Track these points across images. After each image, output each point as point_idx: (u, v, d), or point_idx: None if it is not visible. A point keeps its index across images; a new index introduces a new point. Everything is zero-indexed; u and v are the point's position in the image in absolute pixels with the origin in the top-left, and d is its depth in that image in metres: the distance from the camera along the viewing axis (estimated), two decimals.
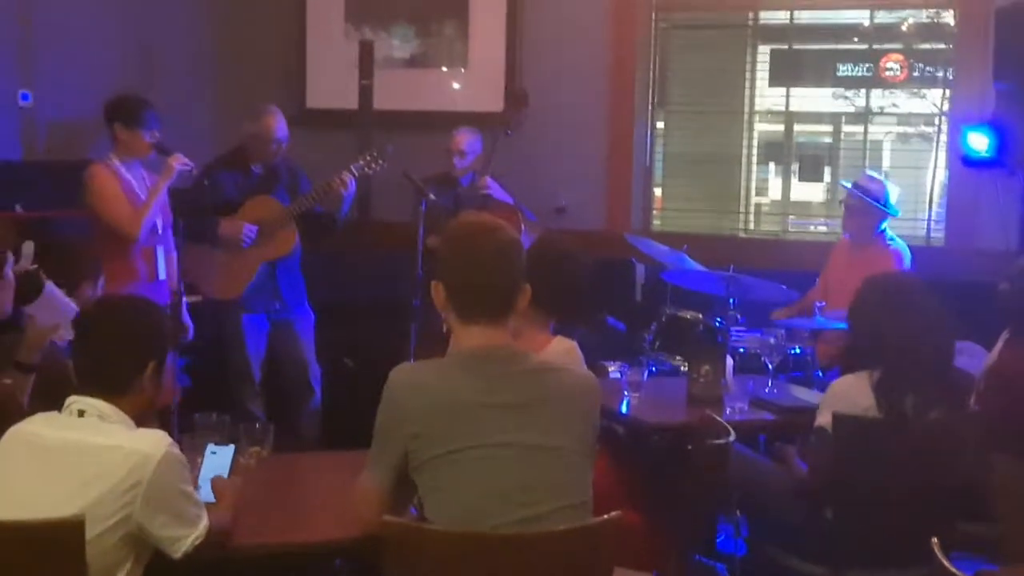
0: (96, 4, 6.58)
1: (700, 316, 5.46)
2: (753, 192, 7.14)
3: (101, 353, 2.74)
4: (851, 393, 3.55)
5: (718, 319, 5.41)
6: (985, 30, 5.73)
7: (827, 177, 7.96)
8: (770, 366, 4.55)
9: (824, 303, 5.21)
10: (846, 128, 8.08)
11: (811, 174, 8.41)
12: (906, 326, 3.59)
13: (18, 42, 6.24)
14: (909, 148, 8.02)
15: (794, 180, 7.45)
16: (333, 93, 7.01)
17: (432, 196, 5.52)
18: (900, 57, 6.74)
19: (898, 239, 5.56)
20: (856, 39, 6.91)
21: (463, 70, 6.95)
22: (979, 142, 5.50)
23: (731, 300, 5.26)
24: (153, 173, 5.18)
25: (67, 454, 2.61)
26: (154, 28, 6.87)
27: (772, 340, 4.56)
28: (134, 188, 5.09)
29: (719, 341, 5.21)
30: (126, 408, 2.71)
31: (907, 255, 5.47)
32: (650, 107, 6.85)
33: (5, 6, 6.13)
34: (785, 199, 7.25)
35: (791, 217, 7.17)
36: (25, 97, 6.25)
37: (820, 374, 5.19)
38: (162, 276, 5.13)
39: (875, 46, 6.82)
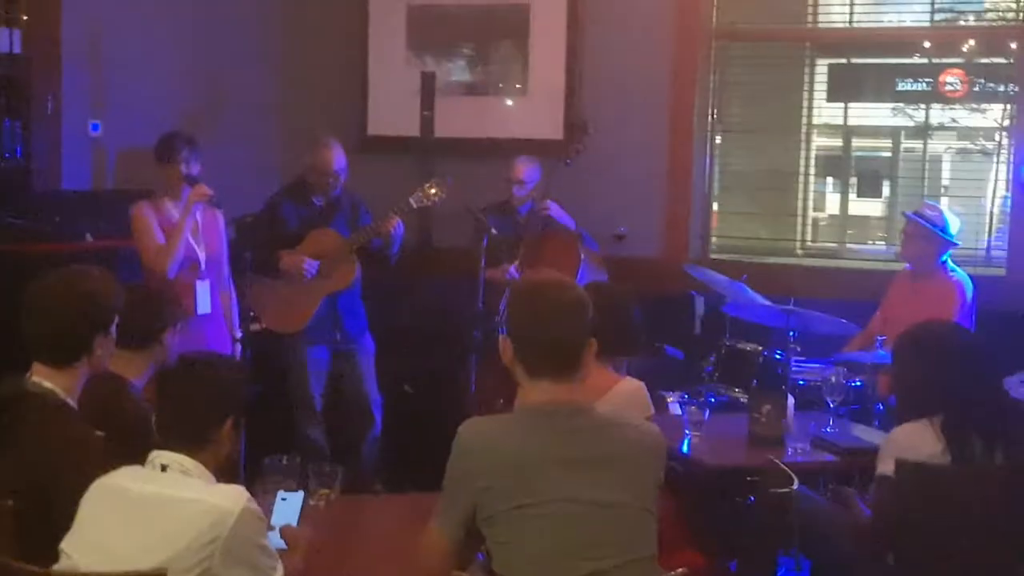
0: (164, 35, 6.67)
1: (759, 348, 5.46)
2: (811, 207, 7.12)
3: (182, 409, 2.83)
4: (914, 441, 3.55)
5: (778, 351, 5.41)
6: None
7: (886, 192, 7.95)
8: (831, 404, 4.55)
9: (885, 336, 5.20)
10: (905, 143, 8.06)
11: (870, 190, 8.39)
12: (954, 378, 3.59)
13: (89, 73, 6.35)
14: (970, 164, 7.98)
15: (852, 195, 7.44)
16: (394, 121, 7.07)
17: (494, 231, 5.57)
18: (960, 72, 6.72)
19: (959, 270, 5.53)
20: (916, 54, 6.89)
21: (523, 97, 6.99)
22: None
23: (791, 333, 5.25)
24: (209, 209, 5.29)
25: (150, 507, 2.69)
26: (220, 58, 6.96)
27: (833, 377, 4.55)
28: (174, 223, 5.18)
29: (779, 374, 5.21)
30: (206, 462, 2.79)
31: (969, 286, 5.43)
32: (709, 133, 6.85)
33: (75, 38, 6.24)
34: (844, 214, 7.22)
35: (848, 241, 7.12)
36: (95, 128, 6.37)
37: (881, 407, 5.17)
38: (202, 311, 5.22)
39: (935, 60, 6.80)
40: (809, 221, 7.14)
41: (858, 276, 6.58)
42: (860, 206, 7.83)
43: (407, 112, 6.91)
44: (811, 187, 7.09)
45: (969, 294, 5.40)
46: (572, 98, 6.84)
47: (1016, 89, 6.43)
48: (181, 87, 6.79)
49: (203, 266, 5.22)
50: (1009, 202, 6.28)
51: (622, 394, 3.75)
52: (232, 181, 5.70)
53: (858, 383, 5.13)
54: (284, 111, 7.29)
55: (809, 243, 7.09)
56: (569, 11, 6.84)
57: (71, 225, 5.86)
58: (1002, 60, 6.64)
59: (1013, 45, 6.46)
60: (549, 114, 6.89)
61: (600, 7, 6.80)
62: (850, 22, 6.81)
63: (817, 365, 5.39)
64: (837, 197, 7.39)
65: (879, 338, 5.22)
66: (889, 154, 7.91)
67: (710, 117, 6.84)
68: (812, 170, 7.04)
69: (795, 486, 3.45)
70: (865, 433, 4.56)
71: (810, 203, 7.11)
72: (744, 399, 5.09)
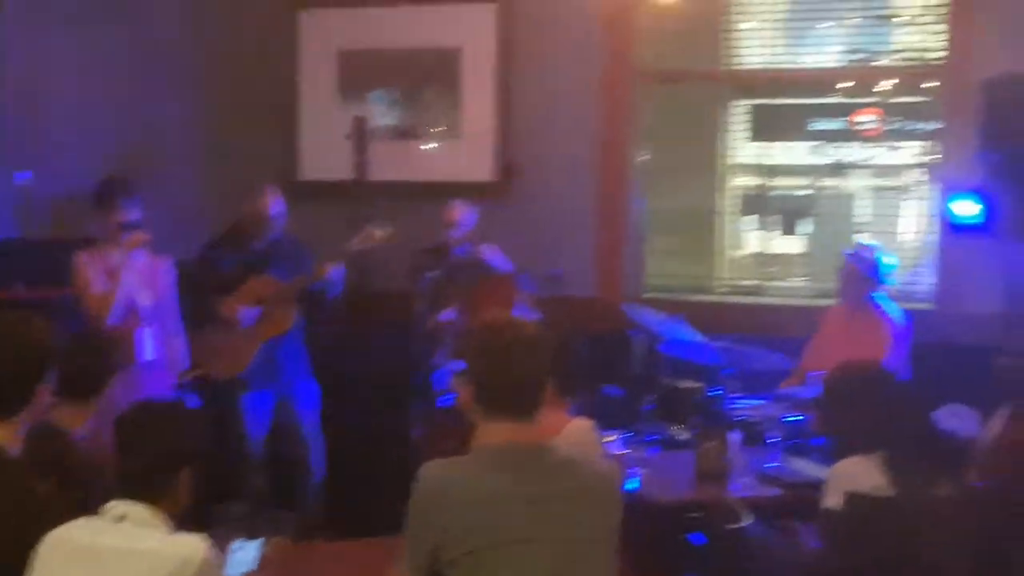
0: (95, 83, 6.63)
1: (698, 386, 5.51)
2: (732, 246, 7.23)
3: (141, 456, 2.79)
4: (858, 474, 3.61)
5: (716, 389, 5.46)
6: (968, 98, 5.85)
7: (806, 229, 8.08)
8: (773, 440, 4.61)
9: (821, 372, 5.28)
10: (823, 181, 8.21)
11: (790, 227, 8.53)
12: (886, 416, 3.67)
13: (16, 121, 6.28)
14: (887, 201, 8.13)
15: (773, 233, 7.55)
16: (327, 165, 7.07)
17: (433, 274, 5.59)
18: (875, 110, 6.87)
19: (893, 305, 5.65)
20: (832, 92, 7.00)
21: (455, 140, 7.02)
22: (967, 209, 5.60)
23: (729, 369, 5.32)
24: (152, 257, 5.25)
25: (108, 560, 2.65)
26: (151, 104, 6.94)
27: (774, 413, 4.62)
28: (115, 271, 5.14)
29: (719, 411, 5.26)
30: (166, 510, 2.76)
31: (902, 321, 5.55)
32: (638, 172, 6.92)
33: (7, 86, 6.18)
34: (765, 252, 7.32)
35: (770, 278, 7.22)
36: (24, 175, 6.29)
37: (821, 441, 5.23)
38: (146, 358, 5.18)
39: (850, 99, 6.92)
40: (730, 259, 7.24)
41: (780, 313, 6.66)
42: (781, 243, 7.96)
43: (339, 156, 6.92)
44: (732, 225, 7.21)
45: (901, 330, 5.51)
46: (504, 140, 6.89)
47: (933, 126, 6.57)
48: (112, 134, 6.75)
49: (145, 313, 5.17)
50: (934, 238, 6.40)
51: (575, 433, 3.77)
52: (164, 227, 5.64)
53: (797, 418, 5.20)
54: (216, 157, 7.25)
55: (731, 280, 7.18)
56: (499, 54, 6.90)
57: (2, 274, 5.78)
58: (916, 99, 6.80)
59: (928, 84, 6.62)
60: (481, 157, 6.93)
61: (529, 50, 6.86)
62: (767, 63, 6.95)
63: (755, 401, 5.46)
64: (758, 235, 7.50)
65: (815, 373, 5.30)
66: (808, 192, 8.07)
67: (639, 157, 6.91)
68: (732, 209, 7.16)
69: (746, 521, 3.48)
70: (807, 467, 4.61)
71: (731, 241, 7.22)
72: (684, 437, 5.14)
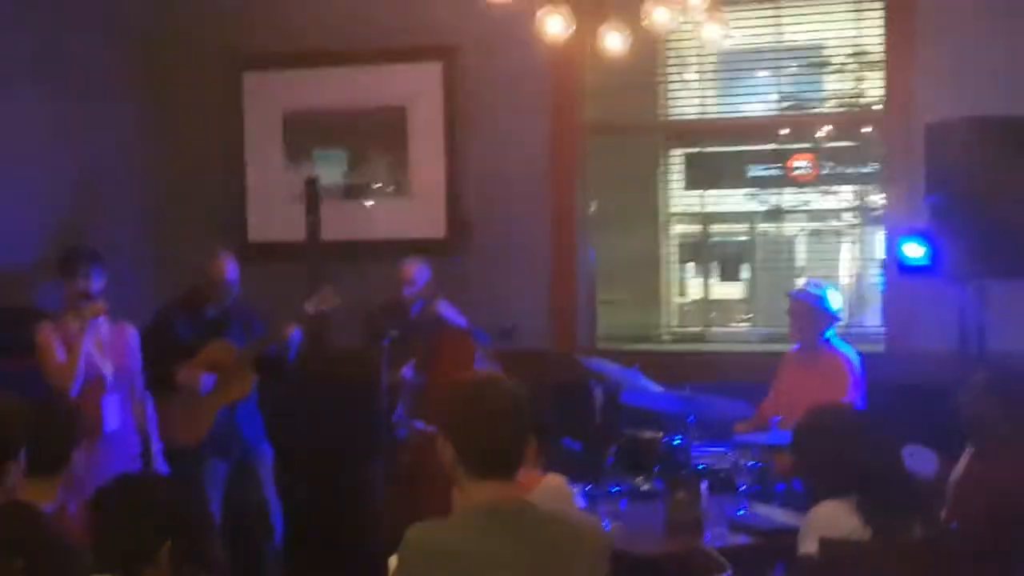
0: (35, 147, 6.53)
1: (660, 436, 5.52)
2: (675, 293, 7.29)
3: (121, 531, 2.75)
4: (833, 519, 3.63)
5: (677, 437, 5.48)
6: (911, 142, 5.97)
7: (746, 275, 8.17)
8: (741, 487, 4.63)
9: (781, 417, 5.33)
10: (761, 227, 8.32)
11: (730, 273, 8.62)
12: (859, 458, 3.70)
13: None
14: (824, 245, 8.25)
15: (713, 280, 7.62)
16: (276, 226, 7.05)
17: (394, 332, 5.58)
18: (809, 156, 6.98)
19: (846, 345, 5.70)
20: (769, 139, 7.11)
21: (404, 198, 7.02)
22: (914, 251, 5.68)
23: (690, 418, 5.34)
24: (115, 325, 5.20)
25: None
26: (92, 170, 6.87)
27: (741, 460, 4.64)
28: (77, 341, 5.08)
29: (681, 460, 5.28)
30: None
31: (856, 361, 5.61)
32: (587, 223, 6.97)
33: None
34: (706, 299, 7.37)
35: (714, 324, 7.28)
36: None
37: (782, 487, 5.26)
38: (110, 428, 5.12)
39: (786, 146, 7.03)
40: (675, 307, 7.30)
41: (726, 359, 6.72)
42: (722, 289, 8.04)
43: (289, 217, 6.90)
44: (675, 274, 7.28)
45: (857, 368, 5.57)
46: (454, 197, 6.91)
47: (869, 170, 6.72)
48: (51, 200, 6.63)
49: (109, 381, 5.11)
50: (874, 280, 6.48)
51: (550, 490, 3.77)
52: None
53: (755, 463, 5.23)
54: (162, 221, 7.21)
55: (676, 328, 7.23)
56: (445, 111, 6.93)
57: None
58: (851, 143, 6.92)
59: (865, 129, 6.76)
60: (431, 213, 6.93)
61: (476, 106, 6.89)
62: (704, 114, 7.06)
63: (715, 449, 5.48)
64: (700, 282, 7.57)
65: (774, 419, 5.34)
66: (746, 238, 8.17)
67: (589, 208, 6.96)
68: (674, 257, 7.23)
69: (728, 572, 3.49)
70: (774, 514, 4.64)
71: (675, 289, 7.29)
72: (647, 488, 5.15)
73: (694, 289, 7.73)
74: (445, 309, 5.99)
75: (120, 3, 7.06)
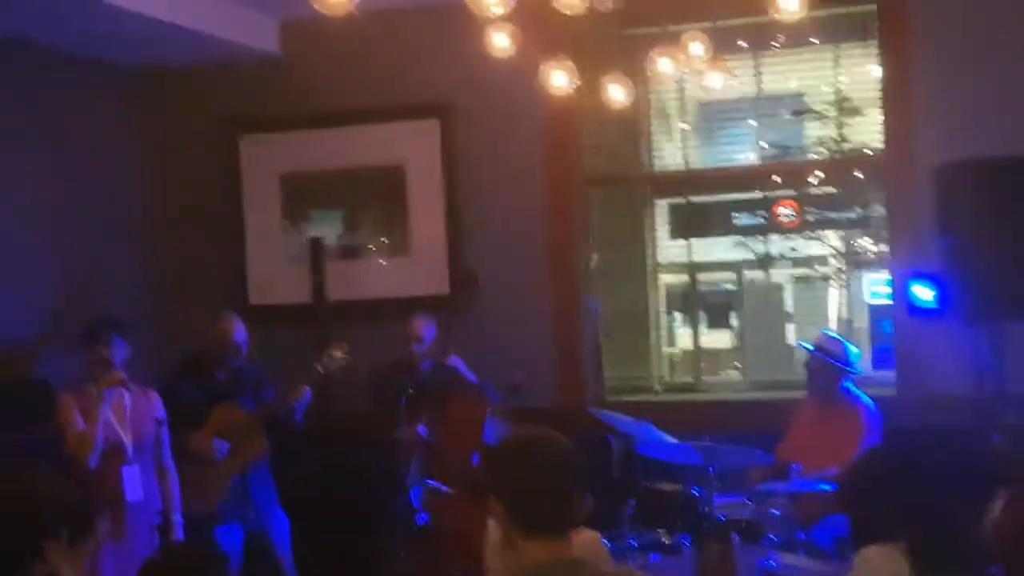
0: (31, 219, 6.49)
1: (679, 487, 5.47)
2: (665, 344, 7.29)
3: None
4: (884, 564, 3.57)
5: (695, 489, 5.42)
6: (913, 185, 5.99)
7: (734, 322, 8.16)
8: (770, 537, 4.57)
9: (800, 466, 5.27)
10: (748, 275, 8.33)
11: (718, 322, 8.61)
12: (912, 498, 3.64)
13: None
14: (811, 290, 8.27)
15: (702, 329, 7.59)
16: (277, 288, 7.02)
17: (411, 391, 5.52)
18: (793, 203, 6.99)
19: (864, 395, 5.67)
20: (753, 187, 7.14)
21: (406, 256, 6.99)
22: (924, 293, 5.68)
23: (710, 468, 5.28)
24: (138, 392, 5.15)
25: None
26: (92, 237, 6.84)
27: (769, 510, 4.58)
28: (100, 411, 5.00)
29: (703, 512, 5.23)
30: None
31: (873, 410, 5.57)
32: (588, 275, 6.94)
33: None
34: (696, 348, 7.32)
35: (705, 373, 7.24)
36: None
37: (802, 535, 5.21)
38: (132, 498, 5.03)
39: (772, 193, 7.05)
40: (665, 357, 7.28)
41: (718, 408, 6.69)
42: (710, 338, 8.02)
43: (287, 279, 6.87)
44: (663, 324, 7.27)
45: (875, 417, 5.53)
46: (455, 253, 6.88)
47: (856, 216, 6.78)
48: (55, 269, 6.61)
49: (129, 451, 5.03)
50: (893, 332, 6.43)
51: (585, 546, 3.70)
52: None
53: (777, 512, 5.18)
54: (162, 287, 7.17)
55: (667, 379, 7.20)
56: (444, 168, 6.92)
57: None
58: (832, 190, 6.96)
59: (859, 174, 6.80)
60: (433, 270, 6.90)
61: (474, 162, 6.89)
62: (686, 164, 7.06)
63: (734, 499, 5.43)
64: (688, 332, 7.55)
65: (794, 467, 5.29)
66: (733, 286, 8.19)
67: (591, 260, 6.94)
68: (663, 307, 7.23)
69: None
70: (802, 563, 4.59)
71: (665, 339, 7.29)
72: (668, 540, 5.09)
73: (683, 339, 7.72)
74: (458, 364, 5.94)
75: (118, 69, 7.04)
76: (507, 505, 2.80)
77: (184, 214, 7.23)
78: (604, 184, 7.08)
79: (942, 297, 5.58)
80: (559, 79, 5.46)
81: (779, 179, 7.02)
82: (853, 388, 5.65)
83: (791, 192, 7.02)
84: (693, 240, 7.23)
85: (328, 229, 7.04)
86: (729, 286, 8.87)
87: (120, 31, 6.25)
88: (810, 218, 7.14)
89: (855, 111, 6.77)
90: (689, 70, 5.30)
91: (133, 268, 7.11)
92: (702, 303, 7.74)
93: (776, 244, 7.38)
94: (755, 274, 7.94)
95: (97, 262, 6.84)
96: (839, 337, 5.76)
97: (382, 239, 7.06)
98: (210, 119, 7.18)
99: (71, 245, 6.72)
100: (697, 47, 5.25)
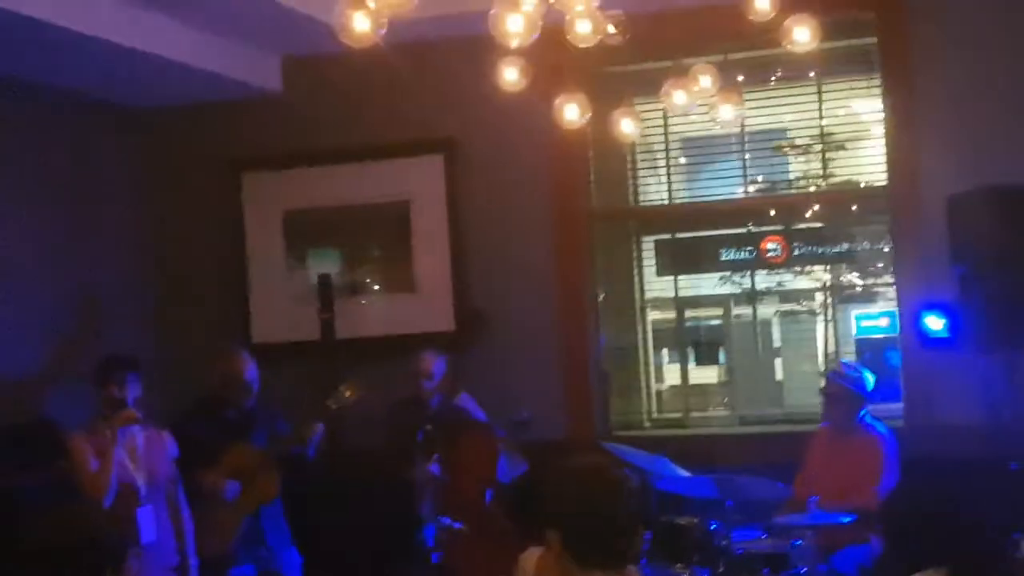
0: (39, 261, 6.45)
1: (696, 521, 5.43)
2: (653, 379, 7.25)
3: None
4: None
5: (712, 522, 5.38)
6: (923, 215, 6.01)
7: (721, 359, 8.15)
8: (801, 571, 4.54)
9: (818, 497, 5.24)
10: (735, 310, 8.32)
11: (706, 357, 8.60)
12: (955, 523, 3.62)
13: None
14: (798, 324, 8.28)
15: (690, 364, 7.56)
16: (279, 327, 6.96)
17: (429, 428, 5.47)
18: (779, 238, 7.01)
19: (879, 424, 5.65)
20: (736, 223, 7.15)
21: (411, 294, 6.94)
22: (935, 324, 5.68)
23: (728, 502, 5.26)
24: (150, 432, 5.07)
25: None
26: (94, 275, 6.81)
27: (803, 543, 4.55)
28: (111, 450, 4.93)
29: (719, 545, 5.20)
30: None
31: (891, 440, 5.55)
32: (595, 308, 6.92)
33: None
34: (684, 384, 7.30)
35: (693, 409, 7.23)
36: None
37: (824, 567, 5.19)
38: (146, 539, 4.95)
39: (754, 228, 7.08)
40: (654, 393, 7.25)
41: (707, 443, 6.65)
42: (698, 374, 8.00)
43: (292, 317, 6.82)
44: (651, 360, 7.24)
45: (893, 447, 5.51)
46: (461, 289, 6.84)
47: (840, 250, 6.85)
48: (56, 309, 6.55)
49: (143, 492, 4.95)
50: (902, 364, 6.42)
51: None
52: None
53: (796, 543, 5.16)
54: (164, 326, 7.13)
55: (657, 415, 7.18)
56: (448, 203, 6.90)
57: None
58: (818, 225, 6.99)
59: (853, 207, 6.85)
60: (439, 307, 6.86)
61: (479, 196, 6.87)
62: (669, 199, 7.04)
63: (751, 533, 5.41)
64: (676, 367, 7.53)
65: (812, 499, 5.26)
66: (719, 322, 8.18)
67: (598, 295, 6.92)
68: (650, 343, 7.21)
69: None
70: None
71: (653, 375, 7.25)
72: (685, 575, 5.06)
73: (671, 374, 7.70)
74: (468, 402, 5.91)
75: (120, 109, 7.01)
76: (564, 535, 2.76)
77: (186, 252, 7.19)
78: (611, 219, 7.07)
79: (954, 327, 5.59)
80: (571, 112, 5.47)
81: (774, 212, 7.03)
82: (869, 418, 5.62)
83: (779, 228, 7.03)
84: (679, 276, 7.18)
85: (331, 266, 6.97)
86: (715, 322, 8.88)
87: (122, 70, 6.23)
88: (797, 253, 7.14)
89: (840, 146, 6.80)
90: (702, 102, 5.31)
91: (134, 306, 7.06)
92: (690, 339, 7.71)
93: (763, 279, 7.39)
94: (742, 309, 7.93)
95: (99, 300, 6.78)
96: (856, 364, 5.74)
97: (386, 275, 7.00)
98: (212, 157, 7.15)
99: (73, 283, 6.67)
100: (707, 80, 5.27)
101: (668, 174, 7.03)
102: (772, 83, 6.65)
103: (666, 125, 6.91)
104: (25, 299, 6.33)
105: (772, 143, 7.11)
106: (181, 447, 5.30)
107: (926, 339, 5.75)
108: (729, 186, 7.10)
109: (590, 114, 5.40)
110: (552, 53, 5.28)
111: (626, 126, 5.60)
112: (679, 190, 7.14)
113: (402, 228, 6.95)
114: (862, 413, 5.58)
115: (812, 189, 7.03)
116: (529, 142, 6.71)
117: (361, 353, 6.57)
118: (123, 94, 6.85)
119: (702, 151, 7.16)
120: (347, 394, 5.49)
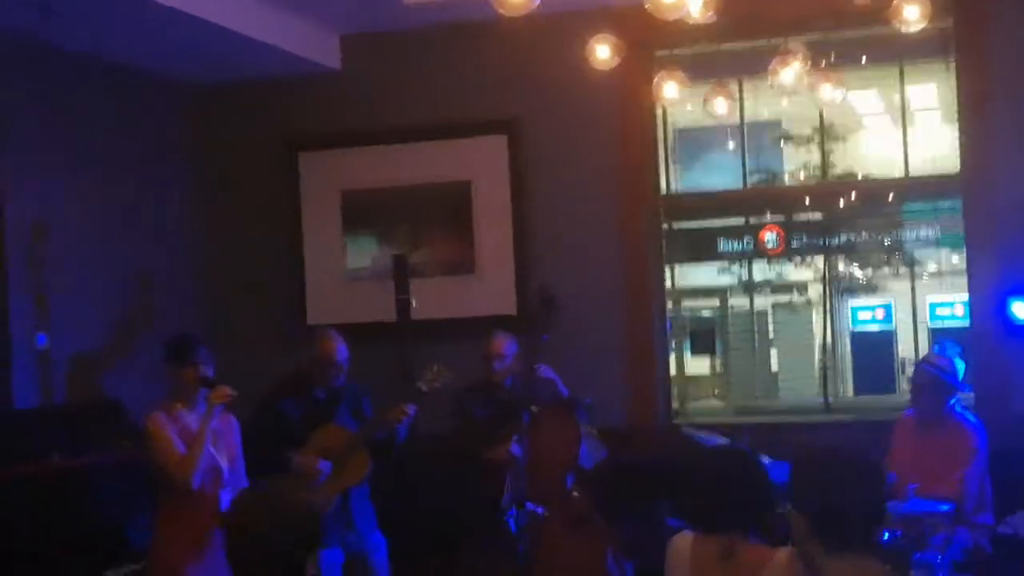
0: (98, 240, 6.32)
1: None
2: None
3: None
4: None
5: None
6: (997, 203, 6.00)
7: (717, 349, 8.10)
8: (939, 558, 4.47)
9: (917, 484, 5.18)
10: (732, 301, 8.30)
11: (702, 348, 8.52)
12: None
13: (30, 287, 5.89)
14: (795, 315, 8.26)
15: (687, 355, 7.50)
16: (334, 308, 6.84)
17: (534, 408, 5.37)
18: (777, 228, 6.97)
19: (969, 414, 5.58)
20: (734, 213, 7.15)
21: (471, 276, 6.85)
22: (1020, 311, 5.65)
23: None
24: (224, 414, 4.91)
25: None
26: (152, 254, 6.72)
27: (927, 530, 4.49)
28: (192, 431, 4.79)
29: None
30: None
31: (981, 430, 5.47)
32: (663, 294, 6.85)
33: (18, 252, 5.82)
34: (681, 374, 7.21)
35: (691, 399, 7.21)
36: (41, 340, 5.87)
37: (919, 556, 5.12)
38: None
39: (752, 220, 7.06)
40: None
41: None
42: (694, 364, 7.93)
43: (345, 298, 6.73)
44: None
45: (984, 436, 5.43)
46: (523, 271, 6.74)
47: (837, 241, 6.89)
48: (117, 291, 6.47)
49: (226, 474, 4.80)
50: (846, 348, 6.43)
51: (781, 566, 3.57)
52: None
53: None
54: (219, 306, 7.04)
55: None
56: (512, 184, 6.79)
57: (33, 446, 5.38)
58: (819, 216, 6.97)
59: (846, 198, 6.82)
60: (500, 290, 6.77)
61: (542, 178, 6.79)
62: (667, 189, 6.96)
63: None
64: (672, 357, 7.45)
65: (911, 486, 5.19)
66: (717, 312, 8.13)
67: (666, 279, 6.86)
68: None
69: None
70: None
71: None
72: None
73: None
74: (547, 372, 5.76)
75: (176, 85, 6.86)
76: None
77: (242, 232, 7.07)
78: (683, 205, 7.02)
79: None
80: (670, 90, 5.41)
81: (809, 200, 6.99)
82: (959, 407, 5.56)
83: (780, 218, 7.02)
84: (676, 266, 7.11)
85: (390, 247, 6.84)
86: (712, 312, 8.85)
87: (183, 39, 6.09)
88: (794, 244, 7.11)
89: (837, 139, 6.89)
90: (806, 83, 5.26)
91: (190, 287, 6.97)
92: (686, 329, 7.62)
93: (760, 270, 7.37)
94: (738, 300, 7.90)
95: (156, 280, 6.67)
96: (948, 352, 5.66)
97: (447, 257, 6.90)
98: (270, 136, 7.04)
99: (129, 263, 6.54)
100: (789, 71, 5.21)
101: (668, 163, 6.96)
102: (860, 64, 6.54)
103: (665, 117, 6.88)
104: (84, 280, 6.23)
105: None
106: (269, 424, 5.16)
107: (1012, 327, 5.71)
108: (726, 177, 7.07)
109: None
110: (630, 32, 5.28)
111: (719, 106, 5.57)
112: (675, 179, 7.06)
113: (463, 209, 6.85)
114: (952, 402, 5.49)
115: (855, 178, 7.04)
116: (595, 123, 6.63)
117: (421, 335, 6.43)
118: (181, 69, 6.72)
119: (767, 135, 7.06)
120: (437, 376, 5.36)
